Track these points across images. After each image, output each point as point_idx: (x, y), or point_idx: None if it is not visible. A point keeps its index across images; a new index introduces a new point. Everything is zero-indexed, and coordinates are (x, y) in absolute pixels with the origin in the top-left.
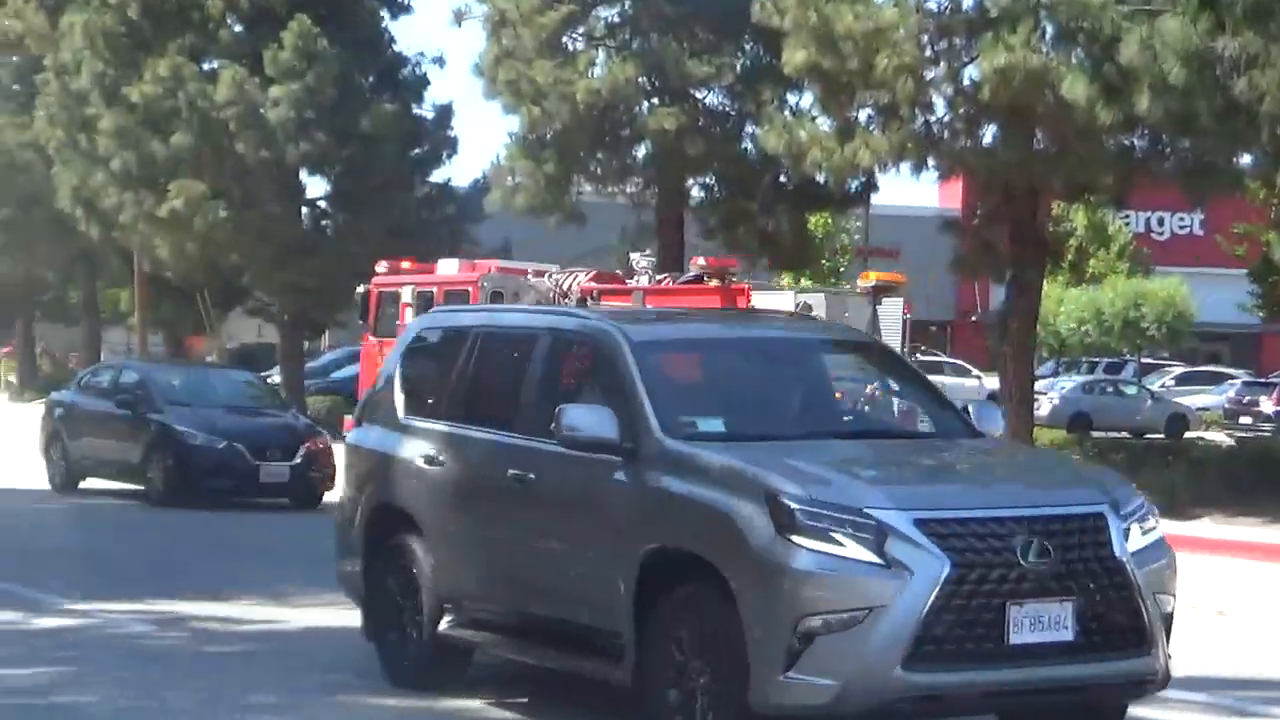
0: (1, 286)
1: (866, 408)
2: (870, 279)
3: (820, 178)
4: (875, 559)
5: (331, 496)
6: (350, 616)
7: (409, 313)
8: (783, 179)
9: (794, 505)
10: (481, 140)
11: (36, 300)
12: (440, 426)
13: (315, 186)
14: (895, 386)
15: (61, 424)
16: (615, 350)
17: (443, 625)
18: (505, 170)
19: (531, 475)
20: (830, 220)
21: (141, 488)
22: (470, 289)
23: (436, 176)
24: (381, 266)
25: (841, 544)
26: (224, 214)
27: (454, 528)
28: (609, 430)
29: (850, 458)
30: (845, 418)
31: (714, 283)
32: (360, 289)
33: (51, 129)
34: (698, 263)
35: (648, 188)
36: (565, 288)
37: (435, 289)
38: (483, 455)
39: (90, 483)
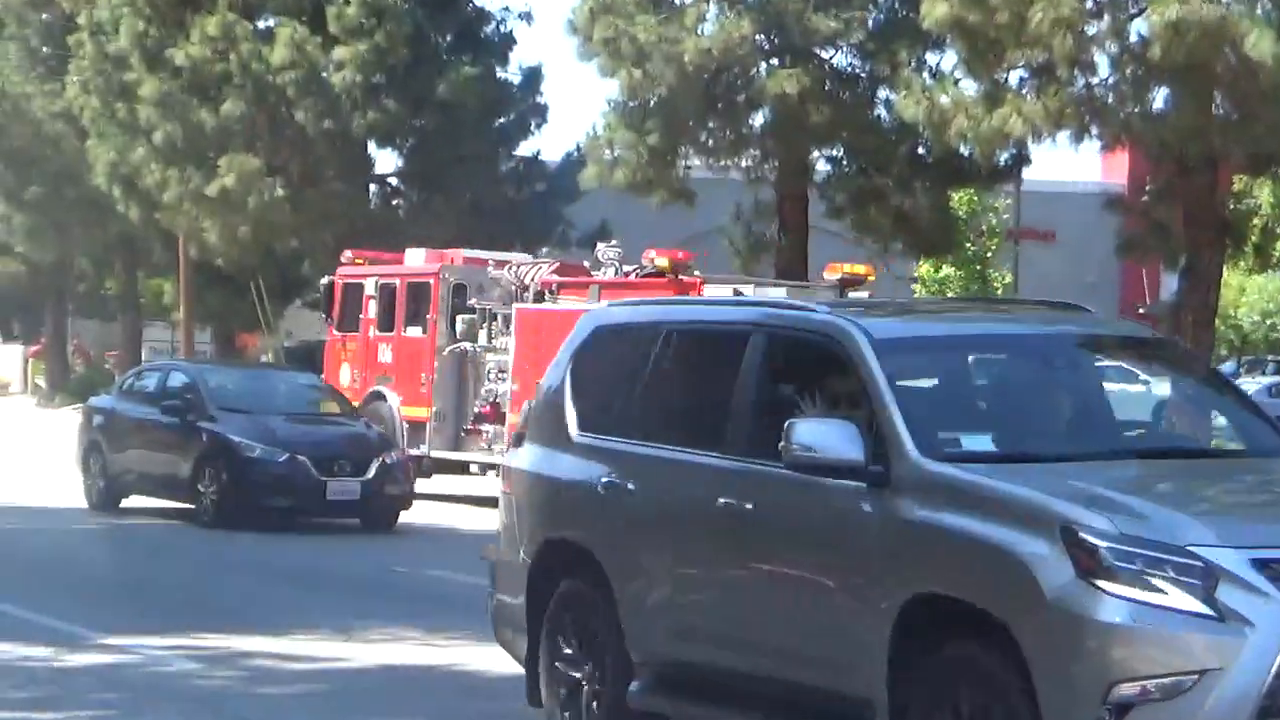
0: (30, 277)
1: (1162, 420)
2: (838, 271)
3: (964, 149)
4: (1204, 609)
5: (410, 518)
6: (429, 655)
7: (372, 306)
8: (921, 151)
9: (1100, 543)
10: (575, 108)
11: (69, 292)
12: (625, 445)
13: (385, 161)
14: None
15: (101, 434)
16: (853, 351)
17: (632, 689)
18: (602, 142)
19: (749, 505)
20: (976, 198)
21: (191, 507)
22: (431, 281)
23: (523, 149)
24: (346, 256)
25: (1161, 590)
26: (281, 193)
27: (646, 569)
28: (854, 450)
29: (1156, 482)
30: (1134, 431)
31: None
32: (324, 280)
33: (86, 97)
34: (648, 255)
35: (766, 161)
36: (525, 280)
37: (398, 281)
38: (683, 480)
39: (133, 501)
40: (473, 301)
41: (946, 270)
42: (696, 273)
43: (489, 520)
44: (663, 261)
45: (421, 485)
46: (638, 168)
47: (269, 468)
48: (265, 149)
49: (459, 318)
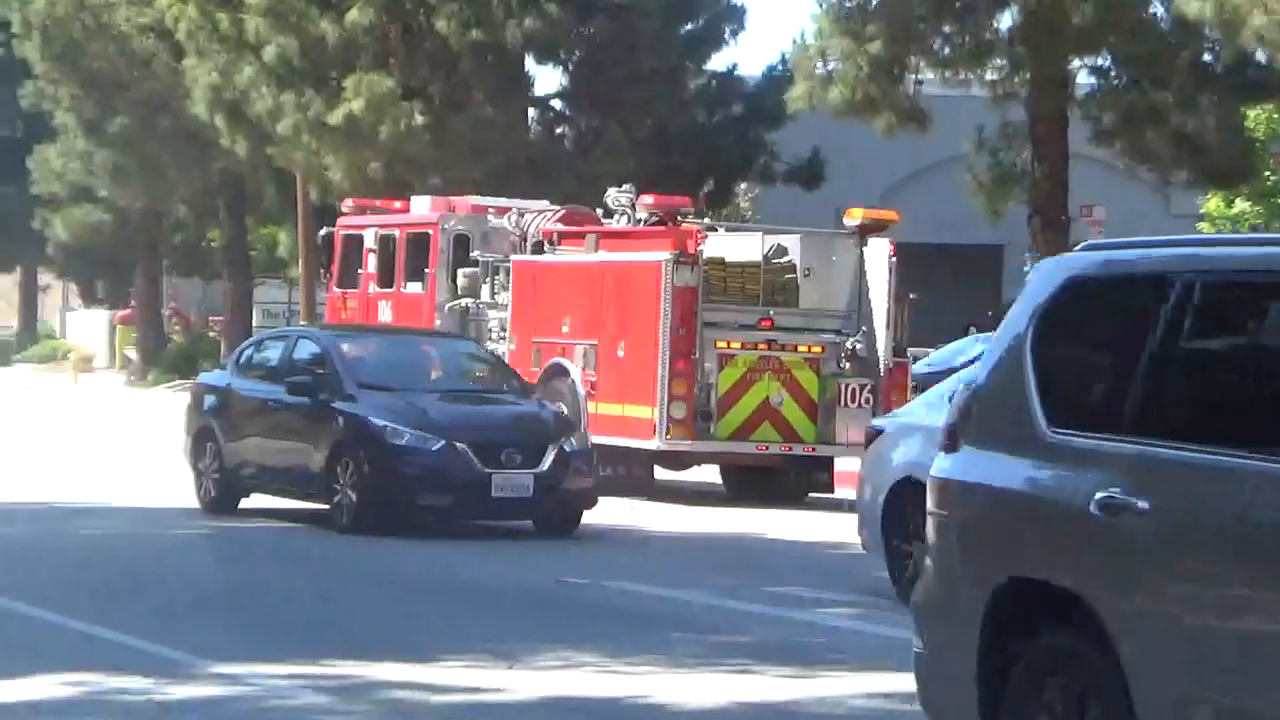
0: (117, 228)
1: None
2: (856, 216)
3: (1261, 55)
4: None
5: (594, 518)
6: (610, 684)
7: (372, 260)
8: (1208, 58)
9: None
10: (779, 11)
11: (163, 245)
12: (1127, 446)
13: (546, 80)
14: None
15: (214, 418)
16: None
17: None
18: (813, 53)
19: None
20: (1277, 116)
21: (324, 507)
22: (431, 232)
23: (716, 63)
24: (347, 205)
25: None
26: (420, 120)
27: (1172, 624)
28: None
29: None
30: None
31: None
32: (323, 231)
33: (181, 6)
34: (643, 201)
35: (1015, 73)
36: (525, 230)
37: (397, 232)
38: (1228, 496)
39: (254, 500)
40: (475, 254)
41: (1240, 205)
42: (706, 220)
43: (674, 520)
44: (654, 207)
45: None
46: (857, 84)
47: (420, 458)
48: (400, 67)
49: (460, 271)
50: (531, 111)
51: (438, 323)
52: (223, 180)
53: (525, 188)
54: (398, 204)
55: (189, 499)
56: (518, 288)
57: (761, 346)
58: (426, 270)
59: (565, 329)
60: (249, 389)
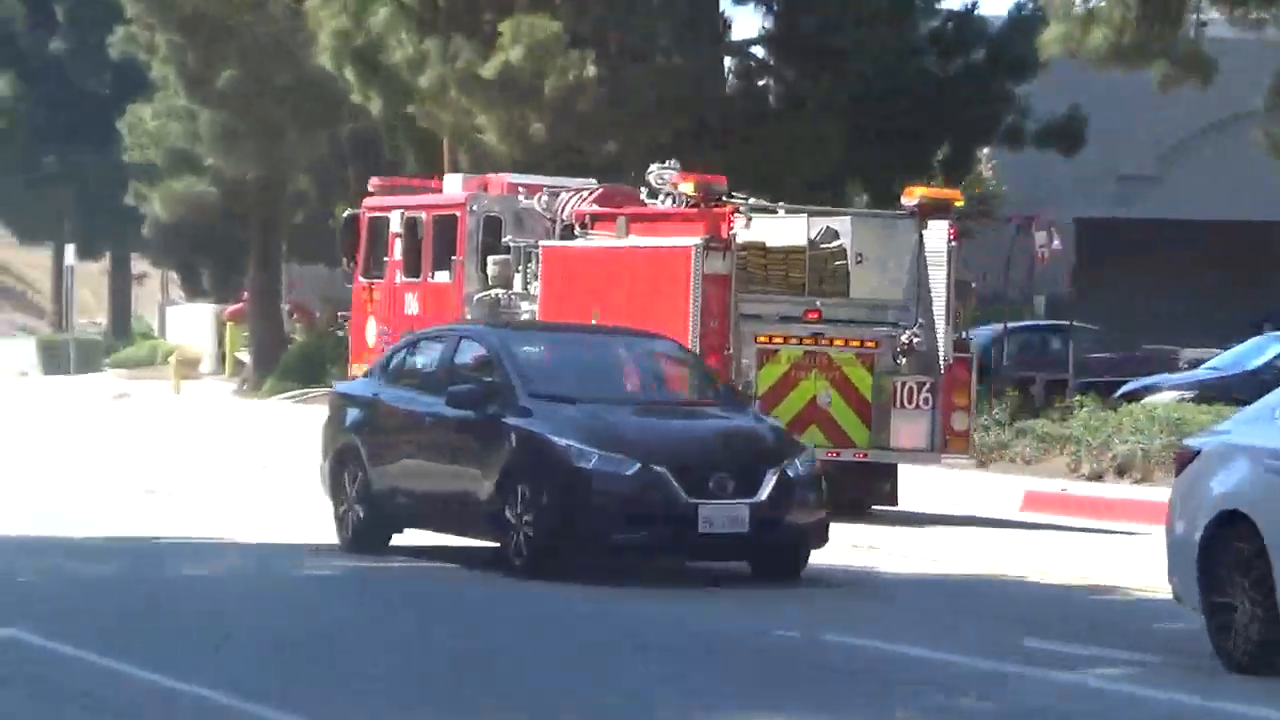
0: (225, 203)
1: None
2: (914, 195)
3: None
4: None
5: (823, 558)
6: None
7: (398, 246)
8: None
9: None
10: None
11: (282, 225)
12: None
13: (746, 22)
14: None
15: (359, 437)
16: None
17: None
18: None
19: None
20: None
21: (495, 545)
22: (458, 214)
23: (950, 2)
24: (373, 184)
25: None
26: (592, 71)
27: None
28: None
29: None
30: None
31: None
32: (346, 214)
33: None
34: (673, 178)
35: None
36: (558, 211)
37: (423, 215)
38: None
39: (408, 535)
40: (507, 239)
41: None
42: (737, 197)
43: (910, 563)
44: (688, 187)
45: None
46: (1124, 25)
47: (611, 485)
48: (567, 7)
49: (490, 259)
50: (727, 61)
51: (466, 316)
52: (353, 145)
53: (718, 154)
54: (417, 184)
55: (325, 534)
56: (546, 277)
57: (807, 341)
58: (453, 258)
59: (594, 322)
60: (401, 401)
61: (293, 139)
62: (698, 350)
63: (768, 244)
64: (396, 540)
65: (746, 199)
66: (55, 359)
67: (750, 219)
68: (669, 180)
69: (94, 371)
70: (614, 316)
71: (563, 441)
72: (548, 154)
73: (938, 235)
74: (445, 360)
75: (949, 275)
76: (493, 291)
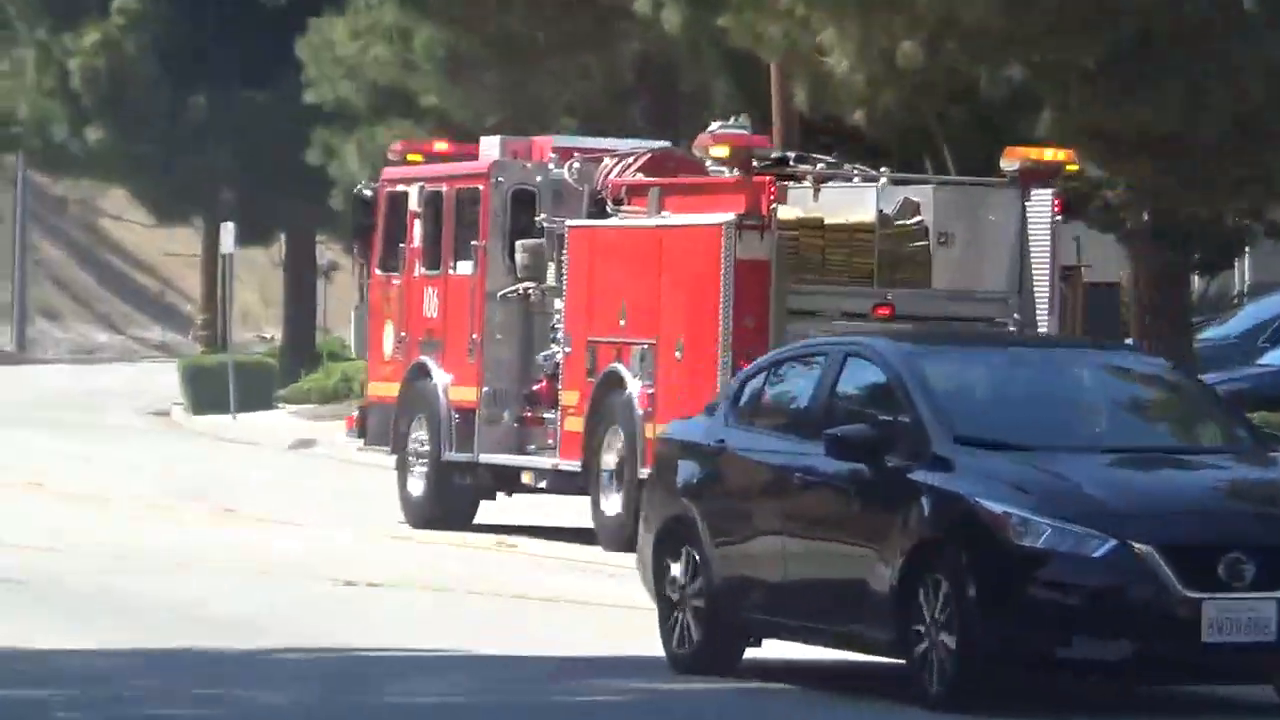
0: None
1: None
2: (1015, 159)
3: None
4: None
5: None
6: None
7: (418, 228)
8: None
9: None
10: None
11: None
12: None
13: None
14: None
15: (695, 503)
16: None
17: None
18: None
19: None
20: None
21: (899, 662)
22: (481, 188)
23: None
24: (394, 150)
25: None
26: None
27: None
28: None
29: None
30: None
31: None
32: (358, 190)
33: None
34: (702, 141)
35: None
36: (597, 182)
37: (444, 188)
38: None
39: (769, 647)
40: (540, 219)
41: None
42: (779, 156)
43: None
44: (721, 150)
45: (486, 512)
46: None
47: (1072, 572)
48: None
49: (519, 244)
50: None
51: (486, 317)
52: (642, 72)
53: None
54: (449, 149)
55: (645, 644)
56: (573, 265)
57: None
58: (473, 243)
59: (623, 322)
60: (757, 449)
61: (551, 66)
62: (729, 356)
63: (826, 221)
64: (752, 655)
65: (813, 164)
66: (208, 391)
67: (818, 190)
68: (696, 145)
69: (263, 408)
70: (642, 317)
71: (998, 507)
72: (921, 84)
73: (1042, 208)
74: (823, 390)
75: (1052, 258)
76: (521, 286)
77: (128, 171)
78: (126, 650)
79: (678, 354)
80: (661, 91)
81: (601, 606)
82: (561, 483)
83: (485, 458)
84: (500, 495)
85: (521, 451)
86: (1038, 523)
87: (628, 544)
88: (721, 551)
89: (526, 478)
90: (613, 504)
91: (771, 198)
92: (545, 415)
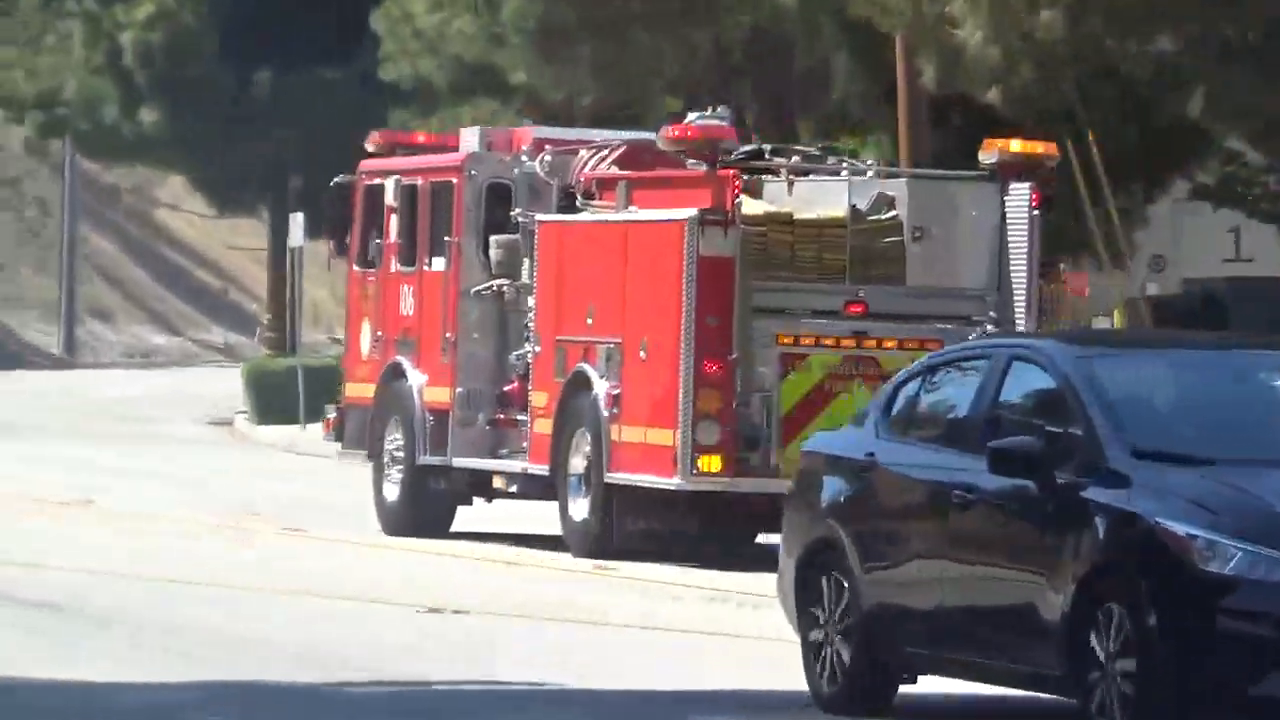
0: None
1: None
2: (993, 150)
3: None
4: None
5: None
6: None
7: (394, 222)
8: None
9: None
10: None
11: None
12: None
13: None
14: None
15: (842, 523)
16: None
17: None
18: None
19: None
20: None
21: (1073, 701)
22: (454, 180)
23: None
24: (372, 140)
25: None
26: None
27: None
28: None
29: None
30: None
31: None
32: (336, 181)
33: None
34: (669, 135)
35: None
36: (571, 175)
37: (419, 181)
38: None
39: (926, 683)
40: (515, 213)
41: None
42: (752, 149)
43: None
44: (682, 143)
45: (464, 519)
46: None
47: (1264, 600)
48: None
49: (493, 240)
50: None
51: (460, 315)
52: (752, 47)
53: None
54: (425, 140)
55: (786, 678)
56: (543, 261)
57: (847, 342)
58: (447, 238)
59: (590, 321)
60: (912, 464)
61: (651, 40)
62: (690, 356)
63: (796, 215)
64: (907, 691)
65: (788, 156)
66: (275, 398)
67: (793, 183)
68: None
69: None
70: (608, 315)
71: (1181, 528)
72: (1060, 59)
73: (1020, 202)
74: (985, 397)
75: (1030, 253)
76: (495, 283)
77: (185, 157)
78: (187, 684)
79: (642, 354)
80: (774, 69)
81: (717, 636)
82: (531, 487)
83: (459, 461)
84: (481, 501)
85: (494, 455)
86: (1225, 545)
87: (596, 550)
88: (872, 577)
89: (498, 482)
90: (580, 509)
91: (736, 192)
92: (518, 417)
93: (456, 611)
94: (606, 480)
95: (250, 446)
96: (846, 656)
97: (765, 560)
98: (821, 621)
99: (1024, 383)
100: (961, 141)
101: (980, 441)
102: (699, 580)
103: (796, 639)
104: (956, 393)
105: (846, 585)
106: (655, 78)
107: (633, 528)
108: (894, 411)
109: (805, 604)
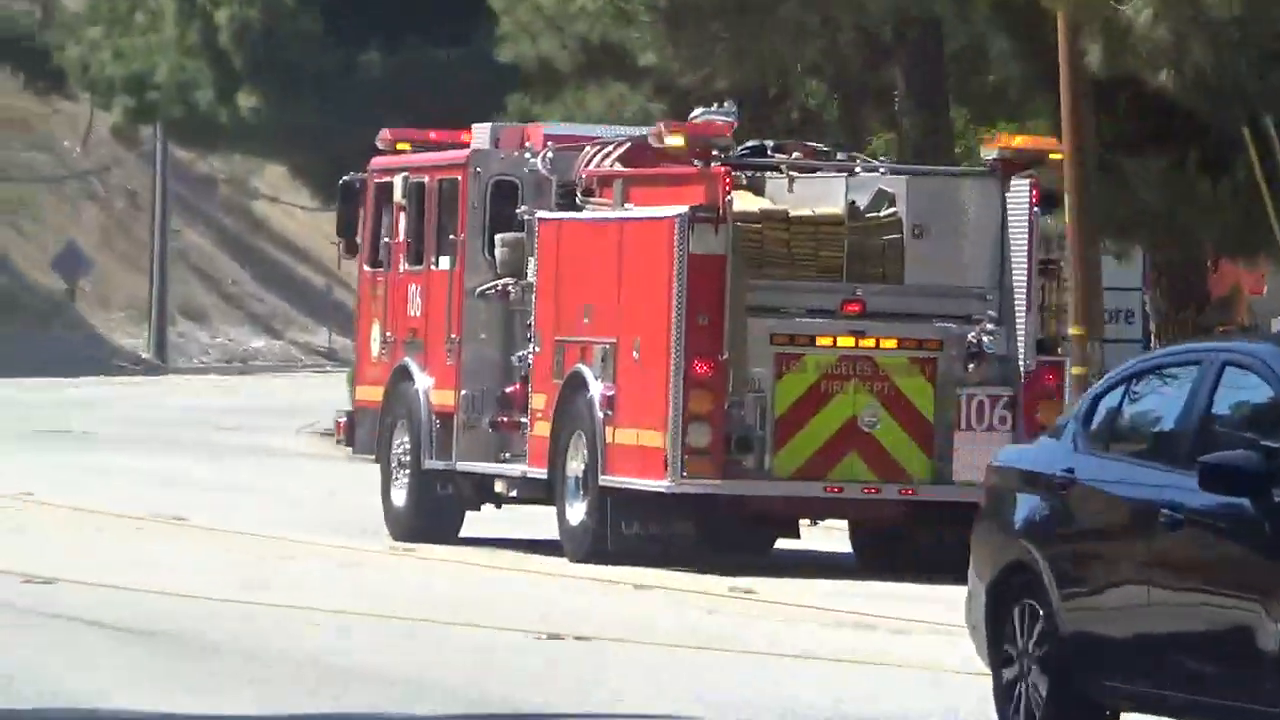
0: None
1: None
2: (994, 147)
3: None
4: None
5: None
6: None
7: (402, 221)
8: None
9: None
10: None
11: None
12: None
13: None
14: None
15: (1038, 545)
16: None
17: None
18: None
19: None
20: None
21: None
22: (459, 178)
23: None
24: (383, 138)
25: None
26: None
27: None
28: None
29: None
30: None
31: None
32: (345, 179)
33: None
34: (659, 131)
35: None
36: (576, 172)
37: (426, 179)
38: None
39: None
40: (521, 210)
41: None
42: (754, 145)
43: None
44: (676, 140)
45: (472, 524)
46: None
47: None
48: None
49: (498, 238)
50: None
51: (465, 316)
52: (901, 27)
53: None
54: (437, 137)
55: (935, 708)
56: (542, 260)
57: (844, 342)
58: (451, 237)
59: (587, 320)
60: (1115, 480)
61: (793, 19)
62: (681, 355)
63: (791, 213)
64: None
65: (789, 154)
66: None
67: (793, 180)
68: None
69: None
70: (604, 315)
71: None
72: (1239, 39)
73: (1020, 199)
74: (1195, 407)
75: (1029, 251)
76: (500, 282)
77: (286, 144)
78: (283, 716)
79: (635, 354)
80: (924, 50)
81: (884, 666)
82: (531, 491)
83: (462, 465)
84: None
85: (497, 459)
86: None
87: (593, 555)
88: (1071, 605)
89: (499, 487)
90: (577, 512)
91: (727, 189)
92: (521, 420)
93: (579, 638)
94: (601, 484)
95: (356, 459)
96: (1043, 692)
97: (832, 571)
98: (1015, 654)
99: (1238, 391)
100: (1130, 129)
101: (1190, 456)
102: (829, 603)
103: (952, 667)
104: (1162, 402)
105: (1042, 613)
106: (796, 60)
107: (627, 531)
108: (1094, 423)
109: (997, 634)
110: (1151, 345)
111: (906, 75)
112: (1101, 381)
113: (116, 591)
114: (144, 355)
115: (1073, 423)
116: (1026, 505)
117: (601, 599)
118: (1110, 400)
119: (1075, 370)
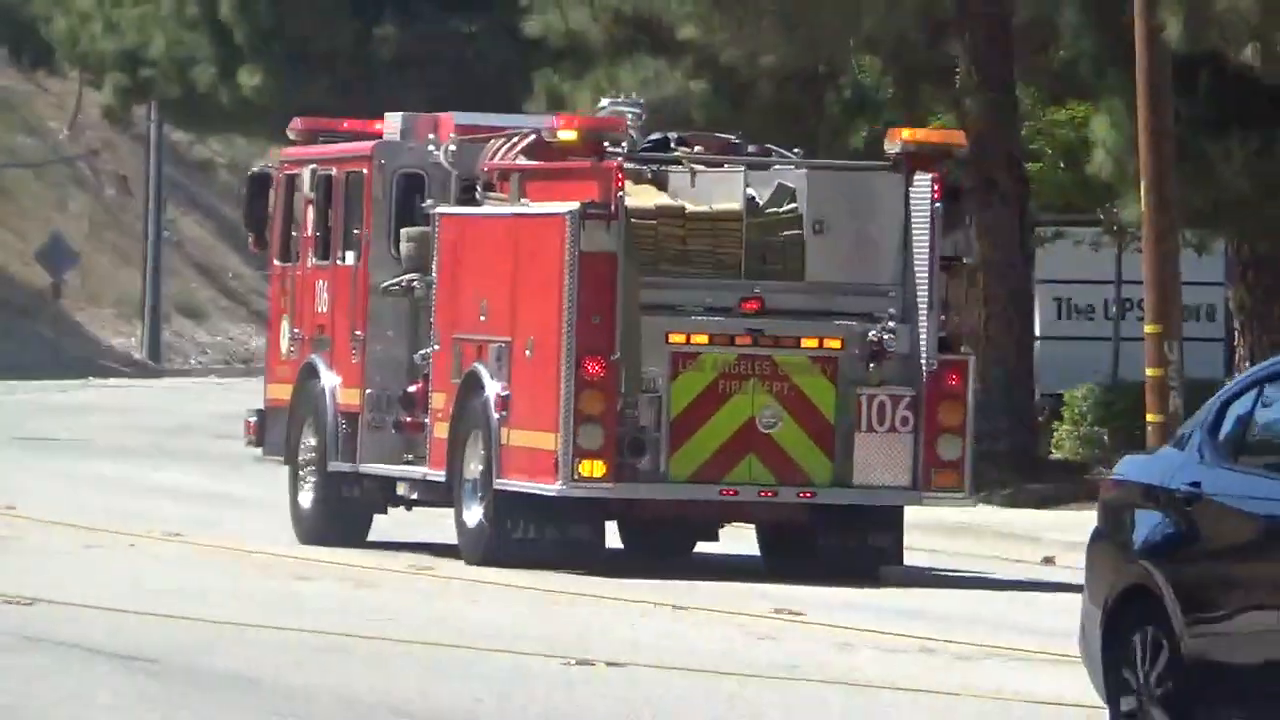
0: (723, 109)
1: None
2: (897, 140)
3: None
4: None
5: None
6: None
7: (311, 214)
8: None
9: None
10: None
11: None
12: None
13: None
14: None
15: (1158, 566)
16: None
17: None
18: None
19: None
20: None
21: None
22: (365, 171)
23: None
24: (294, 127)
25: None
26: None
27: None
28: None
29: None
30: None
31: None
32: (252, 170)
33: None
34: (552, 125)
35: None
36: (480, 165)
37: (333, 171)
38: None
39: None
40: (427, 204)
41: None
42: (659, 138)
43: None
44: (569, 134)
45: (390, 522)
46: None
47: None
48: None
49: (404, 233)
50: None
51: (370, 313)
52: (960, 7)
53: None
54: (346, 126)
55: None
56: (442, 256)
57: (743, 340)
58: (357, 231)
59: (483, 318)
60: (1245, 495)
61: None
62: (573, 355)
63: (688, 208)
64: None
65: (691, 147)
66: None
67: (695, 175)
68: (630, 122)
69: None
70: (499, 312)
71: None
72: None
73: (922, 193)
74: None
75: (931, 247)
76: (404, 278)
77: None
78: None
79: (528, 353)
80: (990, 23)
81: (940, 694)
82: (432, 494)
83: (365, 467)
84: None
85: (401, 460)
86: None
87: (488, 557)
88: (1197, 631)
89: (401, 489)
90: (474, 514)
91: (619, 185)
92: (424, 420)
93: (610, 664)
94: (495, 486)
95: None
96: (1156, 713)
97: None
98: (1135, 686)
99: None
100: (1211, 109)
101: None
102: (875, 625)
103: (1046, 699)
104: None
105: (1165, 641)
106: (848, 34)
107: (521, 535)
108: (1222, 433)
109: (1114, 663)
110: (1235, 344)
111: (970, 50)
112: (1228, 386)
113: (105, 614)
114: (136, 355)
115: (1198, 431)
116: (1147, 522)
117: (617, 619)
118: (1240, 406)
119: (1151, 372)
